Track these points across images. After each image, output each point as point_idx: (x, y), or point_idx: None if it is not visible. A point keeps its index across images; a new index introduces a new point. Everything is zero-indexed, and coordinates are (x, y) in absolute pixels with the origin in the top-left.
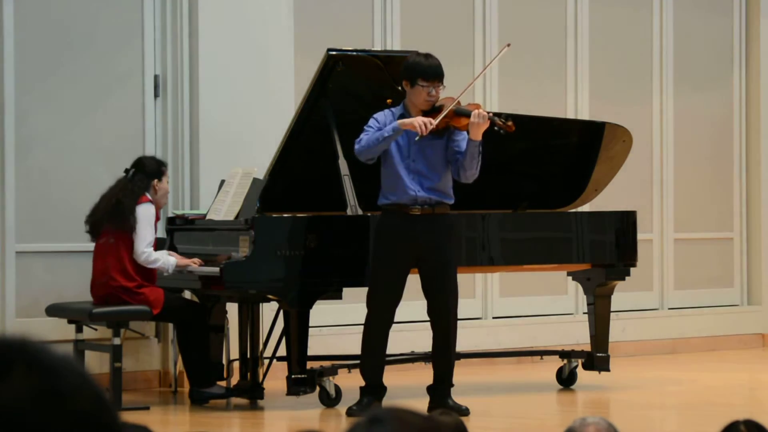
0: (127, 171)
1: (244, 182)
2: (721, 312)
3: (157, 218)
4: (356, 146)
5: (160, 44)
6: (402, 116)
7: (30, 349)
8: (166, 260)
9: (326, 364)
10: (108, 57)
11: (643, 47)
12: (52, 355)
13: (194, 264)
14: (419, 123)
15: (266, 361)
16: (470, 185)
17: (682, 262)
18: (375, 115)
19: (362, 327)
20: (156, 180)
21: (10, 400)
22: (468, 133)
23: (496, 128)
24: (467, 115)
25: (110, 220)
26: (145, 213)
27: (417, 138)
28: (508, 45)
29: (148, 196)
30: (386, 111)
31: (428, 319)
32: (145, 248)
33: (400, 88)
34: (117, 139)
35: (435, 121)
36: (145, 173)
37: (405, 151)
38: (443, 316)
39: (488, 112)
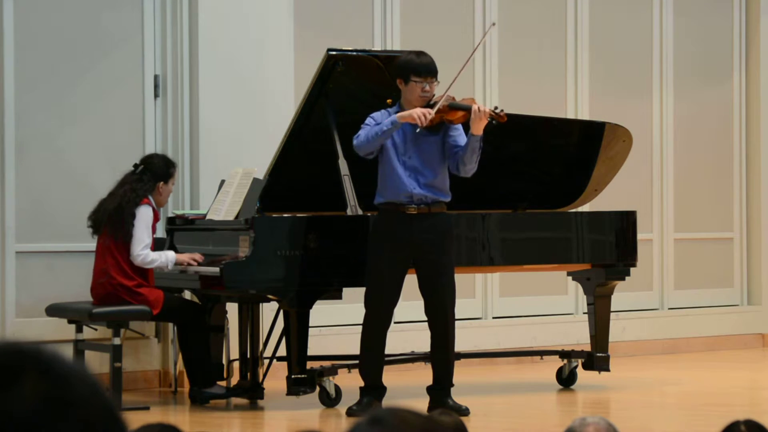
0: (136, 166)
1: (244, 182)
2: (721, 312)
3: (157, 219)
4: (354, 141)
5: (160, 44)
6: None
7: (43, 356)
8: (166, 257)
9: (326, 364)
10: (108, 57)
11: (643, 47)
12: (65, 363)
13: (194, 262)
14: (418, 114)
15: (266, 361)
16: (470, 185)
17: (682, 262)
18: (372, 114)
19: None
20: (162, 182)
21: (19, 407)
22: (469, 127)
23: (488, 118)
24: (462, 108)
25: (109, 222)
26: (142, 216)
27: (418, 130)
28: (494, 24)
29: (150, 198)
30: (383, 111)
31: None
32: (141, 250)
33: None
34: (117, 139)
35: (433, 111)
36: (153, 173)
37: (401, 148)
38: (441, 315)
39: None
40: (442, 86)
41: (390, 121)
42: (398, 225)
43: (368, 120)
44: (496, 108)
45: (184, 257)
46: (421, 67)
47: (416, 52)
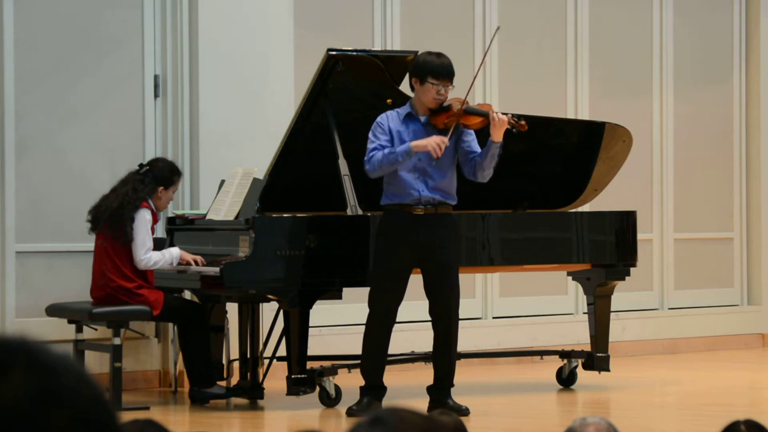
0: (141, 166)
1: (244, 182)
2: (721, 312)
3: (155, 221)
4: (367, 166)
5: (160, 44)
6: (408, 115)
7: (28, 348)
8: (170, 254)
9: (326, 364)
10: (108, 57)
11: (643, 47)
12: (51, 354)
13: (193, 262)
14: (433, 146)
15: (266, 361)
16: (471, 185)
17: (682, 262)
18: (378, 120)
19: (362, 327)
20: (162, 188)
21: (8, 400)
22: (488, 134)
23: (508, 126)
24: (478, 114)
25: (108, 224)
26: (141, 219)
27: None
28: (498, 28)
29: (149, 202)
30: (390, 113)
31: (429, 318)
32: (143, 255)
33: (408, 87)
34: (117, 139)
35: (447, 140)
36: (156, 176)
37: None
38: (444, 316)
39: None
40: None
41: (404, 151)
42: (404, 225)
43: (375, 128)
44: (517, 118)
45: (188, 256)
46: (441, 68)
47: (436, 53)
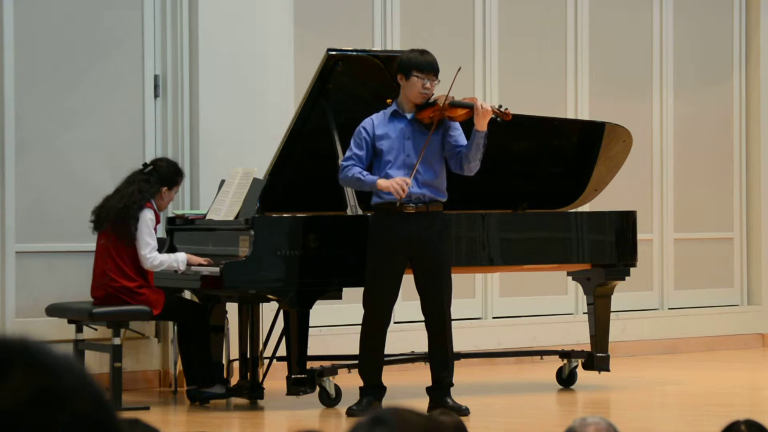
0: (145, 165)
1: (244, 182)
2: (721, 312)
3: (158, 221)
4: (340, 173)
5: (160, 44)
6: (395, 114)
7: (30, 349)
8: (176, 259)
9: (326, 364)
10: (108, 57)
11: (643, 47)
12: (52, 355)
13: (204, 262)
14: (395, 187)
15: (266, 361)
16: (471, 185)
17: (682, 262)
18: (363, 124)
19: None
20: (166, 188)
21: (9, 401)
22: (472, 126)
23: (493, 116)
24: (464, 106)
25: (113, 223)
26: (145, 219)
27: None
28: (459, 69)
29: (152, 202)
30: (375, 115)
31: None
32: (149, 254)
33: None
34: (117, 139)
35: (410, 180)
36: (160, 176)
37: (399, 147)
38: (437, 314)
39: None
40: (440, 88)
41: (369, 183)
42: (396, 224)
43: (356, 135)
44: (500, 106)
45: (196, 258)
46: (425, 63)
47: (419, 50)
